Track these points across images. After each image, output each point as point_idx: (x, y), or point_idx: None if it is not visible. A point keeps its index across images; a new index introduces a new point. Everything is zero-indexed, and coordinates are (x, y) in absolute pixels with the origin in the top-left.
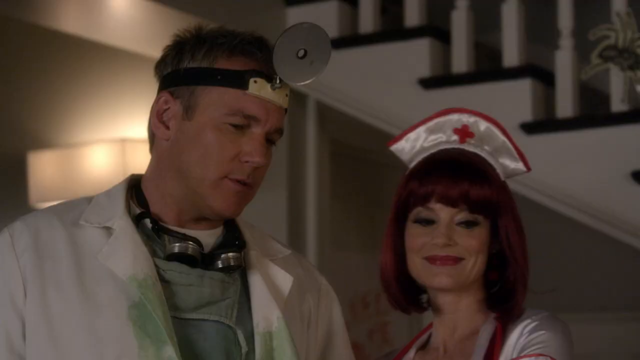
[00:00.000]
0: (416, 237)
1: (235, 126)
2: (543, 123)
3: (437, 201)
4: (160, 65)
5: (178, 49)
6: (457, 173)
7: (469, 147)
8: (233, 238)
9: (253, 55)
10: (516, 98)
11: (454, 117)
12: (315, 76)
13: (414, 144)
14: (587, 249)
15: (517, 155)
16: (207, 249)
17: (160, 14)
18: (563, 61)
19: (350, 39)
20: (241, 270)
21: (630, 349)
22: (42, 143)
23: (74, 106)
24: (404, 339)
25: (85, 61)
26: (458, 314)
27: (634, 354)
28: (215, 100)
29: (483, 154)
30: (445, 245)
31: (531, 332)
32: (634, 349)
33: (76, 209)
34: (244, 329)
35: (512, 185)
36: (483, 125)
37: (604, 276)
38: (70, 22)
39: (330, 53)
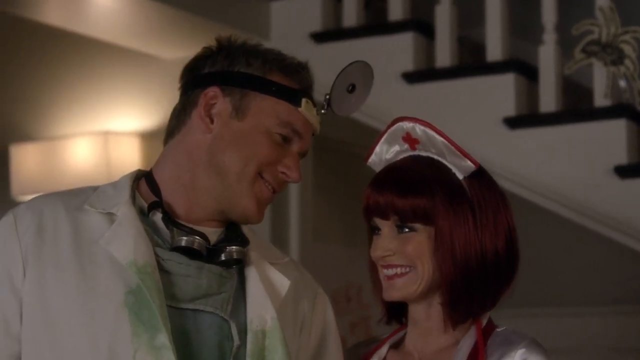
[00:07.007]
0: (373, 246)
1: (283, 137)
2: (526, 117)
3: (374, 215)
4: (205, 61)
5: (228, 51)
6: (384, 184)
7: (421, 152)
8: (235, 235)
9: (303, 78)
10: (499, 92)
11: (398, 126)
12: (357, 109)
13: (380, 157)
14: (569, 244)
15: (460, 154)
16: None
17: (143, 6)
18: (546, 56)
19: (333, 33)
20: (239, 268)
21: (610, 343)
22: (24, 135)
23: (56, 99)
24: (385, 333)
25: (69, 54)
26: (431, 322)
27: (614, 348)
28: (267, 109)
29: (435, 157)
30: (383, 257)
31: None
32: (614, 343)
33: (81, 195)
34: (237, 323)
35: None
36: (419, 129)
37: (585, 270)
38: (53, 15)
39: (370, 89)
